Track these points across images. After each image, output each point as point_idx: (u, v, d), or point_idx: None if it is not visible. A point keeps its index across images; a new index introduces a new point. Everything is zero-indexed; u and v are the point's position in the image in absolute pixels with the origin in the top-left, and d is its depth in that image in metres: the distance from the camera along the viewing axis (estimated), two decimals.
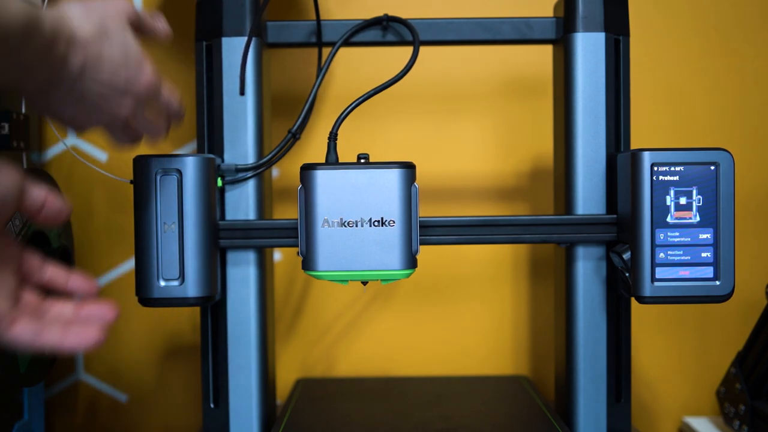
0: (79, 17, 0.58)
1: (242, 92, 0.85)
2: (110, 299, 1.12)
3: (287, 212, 1.10)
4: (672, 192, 0.77)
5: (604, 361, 0.87)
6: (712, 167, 0.76)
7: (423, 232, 0.82)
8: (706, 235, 0.77)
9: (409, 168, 0.76)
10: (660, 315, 1.12)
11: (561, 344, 0.91)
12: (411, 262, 0.77)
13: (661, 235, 0.77)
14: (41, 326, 0.54)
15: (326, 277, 0.77)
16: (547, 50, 0.96)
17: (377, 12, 0.90)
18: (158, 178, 0.77)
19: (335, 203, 0.76)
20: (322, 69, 0.87)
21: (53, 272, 0.59)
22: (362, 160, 0.77)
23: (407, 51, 0.86)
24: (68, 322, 0.56)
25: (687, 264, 0.77)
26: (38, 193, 0.55)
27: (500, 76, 1.13)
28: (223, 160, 0.86)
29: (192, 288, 0.78)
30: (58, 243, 0.92)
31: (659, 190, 0.77)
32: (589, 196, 0.86)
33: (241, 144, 0.86)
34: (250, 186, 0.86)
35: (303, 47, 0.91)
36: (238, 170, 0.85)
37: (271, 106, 0.94)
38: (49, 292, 0.59)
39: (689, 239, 0.77)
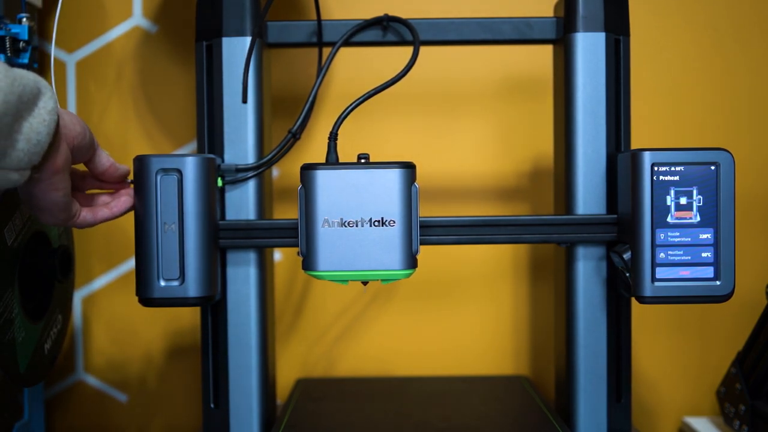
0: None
1: (245, 100, 0.85)
2: (110, 297, 1.12)
3: (287, 212, 1.10)
4: (672, 192, 0.77)
5: (604, 361, 0.87)
6: (713, 167, 0.76)
7: (423, 232, 0.82)
8: (706, 235, 0.77)
9: (409, 168, 0.76)
10: (660, 315, 1.12)
11: (561, 344, 0.91)
12: (411, 262, 0.77)
13: (662, 235, 0.77)
14: (95, 210, 0.75)
15: (326, 277, 0.76)
16: (547, 50, 0.96)
17: (377, 12, 0.90)
18: (158, 178, 0.77)
19: (335, 203, 0.76)
20: (322, 69, 0.87)
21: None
22: (362, 160, 0.77)
23: (407, 51, 0.86)
24: (108, 202, 0.77)
25: (687, 264, 0.77)
26: (106, 158, 0.75)
27: (500, 76, 1.13)
28: (223, 160, 0.86)
29: (192, 288, 0.78)
30: (59, 243, 0.92)
31: (659, 190, 0.77)
32: (589, 196, 0.86)
33: (241, 144, 0.86)
34: (250, 186, 0.86)
35: (303, 47, 0.91)
36: (238, 170, 0.85)
37: (272, 106, 0.94)
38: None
39: (689, 239, 0.77)
